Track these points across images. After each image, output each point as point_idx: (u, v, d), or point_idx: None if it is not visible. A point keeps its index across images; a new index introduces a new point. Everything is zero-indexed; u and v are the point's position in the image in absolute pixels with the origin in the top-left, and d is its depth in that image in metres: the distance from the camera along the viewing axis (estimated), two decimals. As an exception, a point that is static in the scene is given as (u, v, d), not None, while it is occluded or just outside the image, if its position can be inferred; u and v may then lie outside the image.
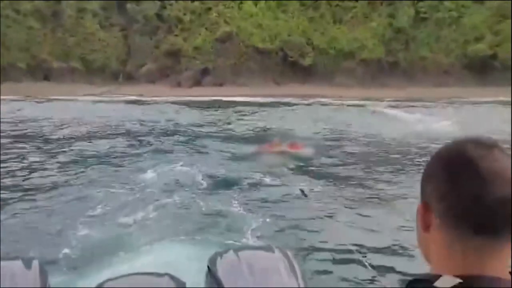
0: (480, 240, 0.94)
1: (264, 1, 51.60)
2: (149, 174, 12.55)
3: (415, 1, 50.39)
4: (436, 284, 0.92)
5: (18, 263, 1.80)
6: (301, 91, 43.56)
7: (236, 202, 10.00)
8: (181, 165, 13.54)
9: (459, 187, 0.93)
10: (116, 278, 1.82)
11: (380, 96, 40.14)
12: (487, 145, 0.94)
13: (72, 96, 39.15)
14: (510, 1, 43.91)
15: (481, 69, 46.58)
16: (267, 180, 12.02)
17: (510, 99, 33.62)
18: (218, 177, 12.45)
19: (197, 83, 49.70)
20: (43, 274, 1.80)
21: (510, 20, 46.11)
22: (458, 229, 0.95)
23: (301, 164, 14.03)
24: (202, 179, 12.09)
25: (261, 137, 18.58)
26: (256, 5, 51.59)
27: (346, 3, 51.39)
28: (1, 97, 33.72)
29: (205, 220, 8.88)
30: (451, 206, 0.95)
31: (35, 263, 1.82)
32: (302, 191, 7.59)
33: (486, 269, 0.94)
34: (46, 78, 49.38)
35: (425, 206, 1.00)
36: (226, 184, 11.64)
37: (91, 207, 9.70)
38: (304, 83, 47.55)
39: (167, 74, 50.85)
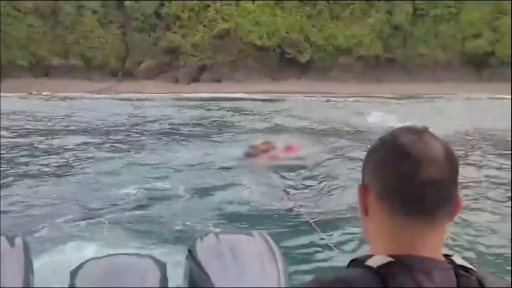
0: (410, 220, 0.98)
1: (262, -2, 52.00)
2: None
3: (413, -2, 50.60)
4: (367, 262, 0.97)
5: (2, 240, 1.81)
6: (298, 87, 43.90)
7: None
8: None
9: (392, 169, 0.98)
10: (99, 258, 1.85)
11: (377, 92, 40.44)
12: (418, 131, 1.00)
13: (72, 93, 39.71)
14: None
15: (479, 65, 46.78)
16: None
17: (502, 95, 34.07)
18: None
19: (195, 79, 50.16)
20: (27, 250, 1.82)
21: (508, 17, 46.29)
22: (390, 209, 0.99)
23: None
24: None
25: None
26: (254, 2, 51.95)
27: (343, 0, 51.68)
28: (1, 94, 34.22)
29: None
30: (385, 187, 1.00)
31: (18, 240, 1.84)
32: (285, 191, 7.95)
33: (417, 249, 0.98)
34: (46, 75, 49.96)
35: (364, 189, 1.04)
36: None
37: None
38: (301, 79, 47.89)
39: (165, 70, 51.33)
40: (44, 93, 39.53)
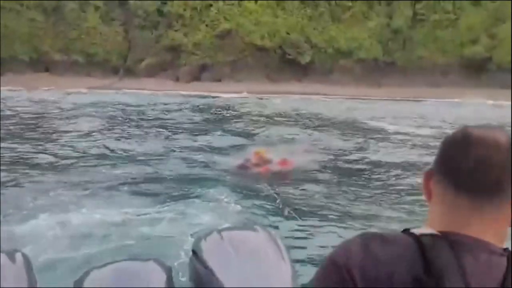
0: (461, 198, 1.07)
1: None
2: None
3: (413, 2, 51.06)
4: (412, 230, 1.06)
5: (2, 256, 1.76)
6: (298, 89, 44.26)
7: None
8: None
9: (449, 149, 1.12)
10: (100, 266, 1.82)
11: (376, 95, 40.95)
12: (487, 126, 1.12)
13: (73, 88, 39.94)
14: (510, 2, 44.47)
15: (477, 71, 47.25)
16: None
17: (498, 101, 34.62)
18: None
19: (196, 78, 50.40)
20: (28, 266, 1.78)
21: (506, 24, 46.82)
22: (444, 187, 1.10)
23: None
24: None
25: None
26: (256, 2, 52.25)
27: (344, 3, 52.08)
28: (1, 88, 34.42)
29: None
30: (442, 166, 1.12)
31: (19, 256, 1.79)
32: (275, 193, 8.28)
33: (466, 228, 1.05)
34: (47, 70, 50.04)
35: (429, 174, 1.16)
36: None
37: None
38: (301, 81, 48.23)
39: (166, 68, 51.55)
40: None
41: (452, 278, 0.98)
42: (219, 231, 1.92)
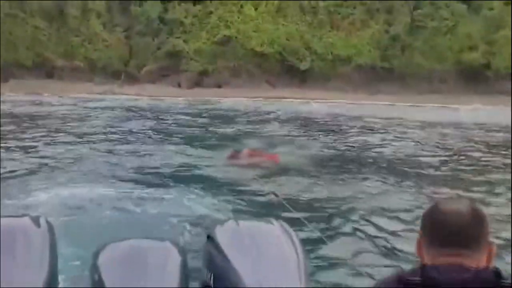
0: (443, 251, 1.51)
1: (264, 6, 52.84)
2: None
3: (412, 9, 51.58)
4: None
5: (26, 220, 1.84)
6: (298, 95, 44.70)
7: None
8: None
9: (430, 221, 1.58)
10: (116, 242, 1.89)
11: (374, 101, 41.39)
12: (451, 199, 1.69)
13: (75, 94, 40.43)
14: (511, 7, 45.02)
15: (475, 77, 47.71)
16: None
17: (494, 106, 35.18)
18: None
19: (197, 84, 50.92)
20: (51, 231, 1.85)
21: (504, 30, 47.35)
22: (430, 244, 1.55)
23: None
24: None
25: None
26: (256, 10, 52.81)
27: (344, 10, 52.63)
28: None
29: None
30: (427, 231, 1.58)
31: (43, 220, 1.86)
32: (274, 194, 8.59)
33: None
34: (50, 76, 50.55)
35: (419, 241, 1.60)
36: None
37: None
38: (301, 87, 48.69)
39: (167, 75, 52.07)
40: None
41: None
42: (236, 220, 2.00)
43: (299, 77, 50.45)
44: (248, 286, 1.69)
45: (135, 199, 8.68)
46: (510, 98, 36.34)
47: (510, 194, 9.54)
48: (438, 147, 18.01)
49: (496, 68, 47.21)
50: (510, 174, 9.54)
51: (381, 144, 17.93)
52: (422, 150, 16.99)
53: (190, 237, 6.67)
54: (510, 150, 15.66)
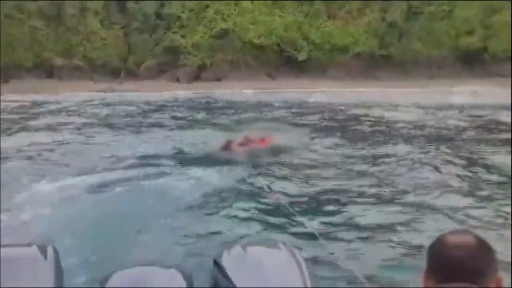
0: (447, 285, 1.49)
1: (260, -2, 53.00)
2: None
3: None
4: None
5: (34, 250, 1.83)
6: (296, 85, 44.92)
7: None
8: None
9: (434, 253, 1.56)
10: (126, 269, 1.89)
11: (373, 89, 41.54)
12: (460, 232, 1.60)
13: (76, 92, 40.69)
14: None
15: (472, 61, 47.89)
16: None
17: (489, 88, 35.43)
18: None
19: (196, 78, 51.17)
20: (57, 260, 1.84)
21: (501, 14, 47.45)
22: (434, 278, 1.53)
23: None
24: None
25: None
26: (252, 2, 52.94)
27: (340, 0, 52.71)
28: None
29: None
30: (431, 263, 1.56)
31: (50, 250, 1.85)
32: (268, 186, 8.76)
33: None
34: (50, 75, 50.85)
35: (424, 273, 1.59)
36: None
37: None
38: (299, 77, 48.92)
39: (166, 70, 52.34)
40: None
41: None
42: (243, 246, 1.99)
43: (298, 67, 50.64)
44: None
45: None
46: (508, 80, 36.61)
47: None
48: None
49: (493, 51, 47.35)
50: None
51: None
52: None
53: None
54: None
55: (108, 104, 29.93)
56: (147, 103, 31.29)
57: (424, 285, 1.58)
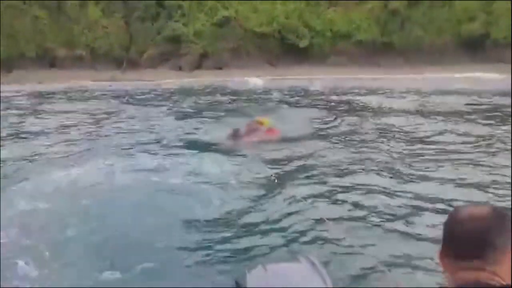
0: (462, 262, 1.42)
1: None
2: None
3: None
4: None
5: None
6: (298, 72, 44.98)
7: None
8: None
9: (449, 227, 1.50)
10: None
11: (375, 76, 41.64)
12: (470, 205, 1.52)
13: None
14: None
15: (475, 47, 47.83)
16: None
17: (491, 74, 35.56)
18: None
19: (198, 67, 51.24)
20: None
21: (501, 1, 47.32)
22: (447, 254, 1.48)
23: None
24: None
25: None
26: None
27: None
28: None
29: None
30: (445, 240, 1.50)
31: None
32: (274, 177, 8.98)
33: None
34: (53, 65, 50.98)
35: (440, 252, 1.52)
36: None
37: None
38: (301, 65, 48.94)
39: (168, 59, 52.39)
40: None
41: None
42: (264, 265, 1.95)
43: (300, 55, 50.62)
44: None
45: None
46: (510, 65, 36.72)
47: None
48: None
49: (494, 37, 47.28)
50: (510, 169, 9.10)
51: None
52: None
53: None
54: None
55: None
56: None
57: (442, 265, 1.51)
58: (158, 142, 12.88)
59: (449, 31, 49.44)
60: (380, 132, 13.66)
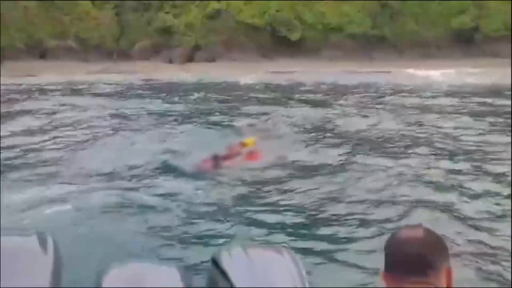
0: (402, 277, 1.59)
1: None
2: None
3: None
4: None
5: (33, 239, 1.76)
6: (290, 65, 44.98)
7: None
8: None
9: (390, 248, 1.67)
10: (124, 264, 1.87)
11: (367, 69, 41.78)
12: (408, 227, 1.71)
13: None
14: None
15: (466, 41, 48.08)
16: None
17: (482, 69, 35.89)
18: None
19: (190, 59, 51.03)
20: (57, 251, 1.78)
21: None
22: (390, 271, 1.63)
23: None
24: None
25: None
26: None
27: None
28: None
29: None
30: (387, 260, 1.66)
31: (50, 241, 1.79)
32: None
33: None
34: (43, 57, 50.50)
35: (382, 273, 1.67)
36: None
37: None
38: (293, 58, 48.93)
39: (159, 51, 52.10)
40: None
41: None
42: (244, 246, 1.92)
43: (292, 47, 50.55)
44: None
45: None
46: (502, 60, 37.03)
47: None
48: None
49: (485, 31, 47.55)
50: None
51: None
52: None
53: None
54: None
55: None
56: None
57: (386, 283, 1.65)
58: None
59: (441, 24, 49.60)
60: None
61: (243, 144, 10.90)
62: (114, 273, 1.77)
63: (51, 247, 1.76)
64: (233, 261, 1.81)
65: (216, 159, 10.16)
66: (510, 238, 6.28)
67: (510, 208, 7.37)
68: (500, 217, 7.17)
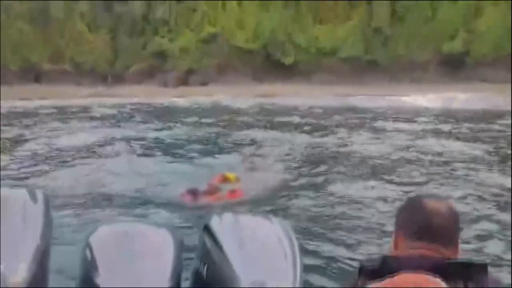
0: (416, 243, 1.59)
1: (247, 1, 53.24)
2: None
3: (392, 1, 52.11)
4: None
5: (23, 192, 1.82)
6: (283, 89, 45.22)
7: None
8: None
9: (411, 213, 1.66)
10: (113, 224, 1.89)
11: (359, 93, 42.04)
12: (431, 197, 1.71)
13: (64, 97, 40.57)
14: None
15: (456, 66, 48.50)
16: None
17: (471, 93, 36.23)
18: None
19: (184, 83, 51.37)
20: (47, 206, 1.82)
21: (483, 18, 48.20)
22: (405, 237, 1.63)
23: None
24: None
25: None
26: (239, 5, 53.25)
27: (326, 3, 53.10)
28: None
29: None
30: (405, 224, 1.65)
31: (40, 195, 1.83)
32: None
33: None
34: (37, 80, 50.71)
35: (395, 232, 1.68)
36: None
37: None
38: (287, 82, 49.27)
39: (153, 74, 52.46)
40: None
41: None
42: (235, 214, 1.94)
43: (285, 71, 50.95)
44: (242, 281, 1.66)
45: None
46: (491, 85, 37.36)
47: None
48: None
49: (475, 56, 48.00)
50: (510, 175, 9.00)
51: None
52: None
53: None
54: None
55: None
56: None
57: (394, 246, 1.68)
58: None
59: (431, 49, 50.10)
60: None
61: (225, 178, 10.39)
62: (102, 231, 1.81)
63: (41, 198, 1.82)
64: (223, 224, 1.85)
65: (195, 194, 9.51)
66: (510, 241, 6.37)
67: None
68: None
